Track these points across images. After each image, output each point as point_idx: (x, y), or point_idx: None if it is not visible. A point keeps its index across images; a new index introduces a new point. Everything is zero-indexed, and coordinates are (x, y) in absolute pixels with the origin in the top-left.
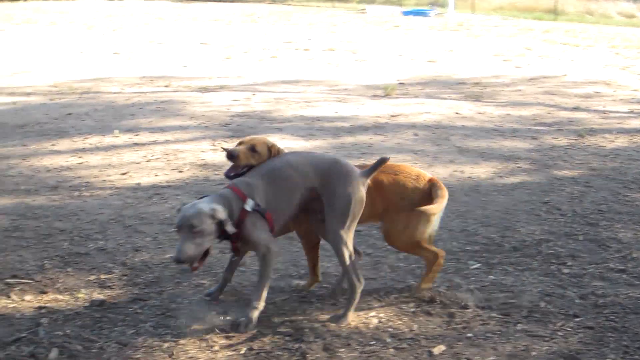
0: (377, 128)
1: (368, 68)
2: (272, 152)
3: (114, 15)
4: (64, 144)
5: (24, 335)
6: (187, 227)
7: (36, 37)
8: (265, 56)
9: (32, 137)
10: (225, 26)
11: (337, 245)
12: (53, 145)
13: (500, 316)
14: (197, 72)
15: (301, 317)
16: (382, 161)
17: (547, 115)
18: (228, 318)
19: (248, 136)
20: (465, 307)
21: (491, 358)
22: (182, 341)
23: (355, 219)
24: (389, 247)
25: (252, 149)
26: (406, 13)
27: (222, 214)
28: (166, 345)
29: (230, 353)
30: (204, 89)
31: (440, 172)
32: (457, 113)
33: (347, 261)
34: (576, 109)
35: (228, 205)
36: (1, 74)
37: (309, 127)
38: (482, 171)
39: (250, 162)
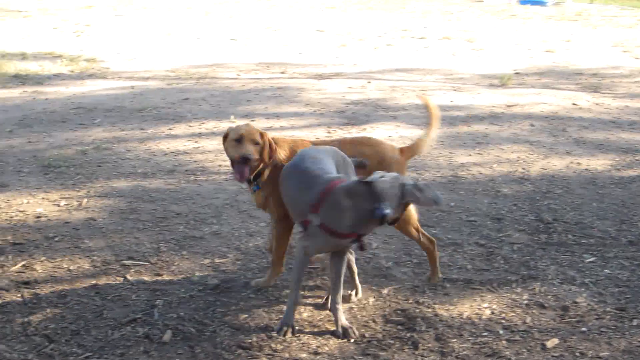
0: (493, 118)
1: (484, 57)
2: (264, 138)
3: (230, 2)
4: (180, 128)
5: (139, 316)
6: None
7: (154, 22)
8: (381, 44)
9: (150, 121)
10: (341, 13)
11: None
12: (170, 129)
13: (615, 311)
14: (312, 59)
15: (413, 306)
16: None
17: None
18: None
19: (237, 127)
20: (580, 301)
21: (605, 353)
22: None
23: None
24: (503, 238)
25: (256, 142)
26: (523, 2)
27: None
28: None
29: (341, 341)
30: (320, 76)
31: (556, 164)
32: (574, 104)
33: None
34: None
35: None
36: (120, 58)
37: (424, 115)
38: (599, 163)
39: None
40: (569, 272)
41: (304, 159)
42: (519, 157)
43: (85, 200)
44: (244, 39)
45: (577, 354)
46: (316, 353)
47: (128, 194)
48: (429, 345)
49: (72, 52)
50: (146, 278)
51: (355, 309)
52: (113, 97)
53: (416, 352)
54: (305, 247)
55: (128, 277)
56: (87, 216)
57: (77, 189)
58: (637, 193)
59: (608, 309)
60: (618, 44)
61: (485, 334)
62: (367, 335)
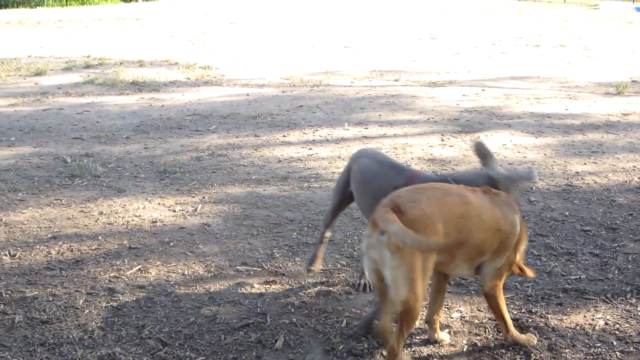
0: (609, 126)
1: (600, 65)
2: None
3: (344, 10)
4: (294, 135)
5: (251, 321)
6: None
7: (269, 30)
8: (495, 51)
9: (264, 127)
10: (455, 21)
11: None
12: (284, 136)
13: None
14: (426, 66)
15: (526, 316)
16: None
17: None
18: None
19: None
20: None
21: None
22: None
23: None
24: (618, 248)
25: None
26: (639, 9)
27: None
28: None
29: (453, 349)
30: (433, 84)
31: None
32: None
33: None
34: None
35: None
36: (235, 66)
37: (538, 124)
38: None
39: None
40: None
41: None
42: (634, 166)
43: (200, 206)
44: (358, 47)
45: None
46: None
47: (242, 200)
48: (541, 355)
49: (187, 59)
50: (259, 284)
51: (467, 317)
52: (228, 104)
53: None
54: None
55: (241, 282)
56: (201, 222)
57: (192, 195)
58: None
59: None
60: None
61: (599, 344)
62: (479, 344)
